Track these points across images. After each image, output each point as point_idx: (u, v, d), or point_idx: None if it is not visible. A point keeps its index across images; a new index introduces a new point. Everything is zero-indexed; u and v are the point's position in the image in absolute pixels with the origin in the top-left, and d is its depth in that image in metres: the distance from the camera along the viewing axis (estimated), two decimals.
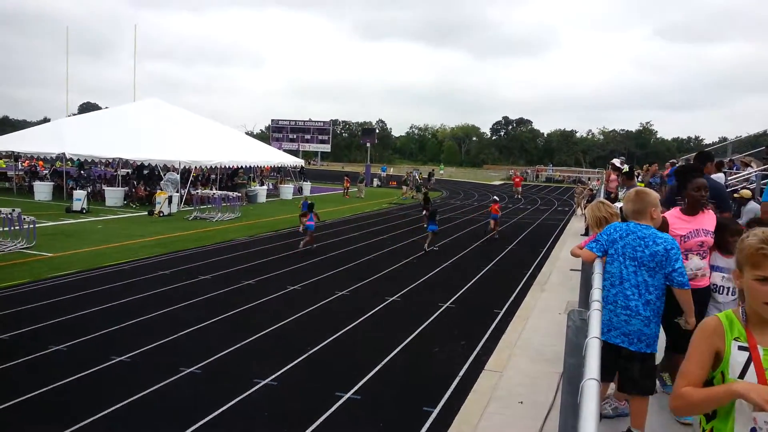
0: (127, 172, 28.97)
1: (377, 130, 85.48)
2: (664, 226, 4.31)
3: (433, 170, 50.36)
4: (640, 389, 3.79)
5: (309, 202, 15.61)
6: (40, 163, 34.38)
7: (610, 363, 3.71)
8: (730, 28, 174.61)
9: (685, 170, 5.09)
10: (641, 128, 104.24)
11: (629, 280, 3.74)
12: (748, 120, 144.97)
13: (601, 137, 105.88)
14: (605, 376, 3.85)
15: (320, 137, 72.93)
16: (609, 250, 3.91)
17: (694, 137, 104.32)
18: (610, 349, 3.72)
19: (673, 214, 4.63)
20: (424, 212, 20.26)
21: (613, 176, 12.75)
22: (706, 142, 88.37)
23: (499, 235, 18.34)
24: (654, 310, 3.73)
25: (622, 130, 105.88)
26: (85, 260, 12.26)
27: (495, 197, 22.15)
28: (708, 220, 4.56)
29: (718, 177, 12.33)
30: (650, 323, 3.72)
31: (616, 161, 13.83)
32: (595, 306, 2.55)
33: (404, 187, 36.06)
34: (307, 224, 14.65)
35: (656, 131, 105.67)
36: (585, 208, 20.23)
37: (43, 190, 24.57)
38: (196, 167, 25.73)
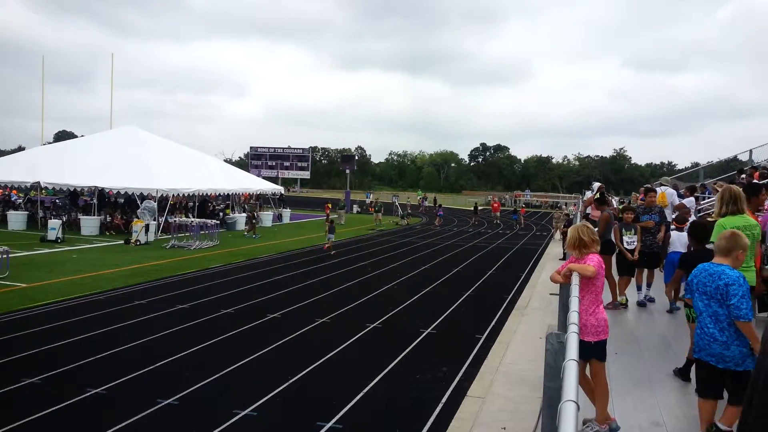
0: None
1: (356, 157, 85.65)
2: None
3: (435, 197, 53.95)
4: (735, 400, 3.97)
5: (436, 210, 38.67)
6: (14, 191, 33.71)
7: (707, 377, 4.09)
8: (698, 58, 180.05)
9: None
10: (615, 154, 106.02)
11: (705, 311, 4.10)
12: (720, 146, 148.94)
13: (577, 163, 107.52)
14: (706, 392, 4.13)
15: (299, 164, 72.98)
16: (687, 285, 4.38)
17: (667, 162, 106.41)
18: (705, 366, 4.08)
19: None
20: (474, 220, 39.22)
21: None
22: (679, 167, 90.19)
23: (480, 259, 18.55)
24: (730, 334, 3.98)
25: (597, 156, 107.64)
26: (60, 290, 12.01)
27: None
28: None
29: (689, 201, 12.61)
30: (729, 346, 3.97)
31: (596, 185, 13.56)
32: (572, 329, 2.59)
33: (402, 218, 36.80)
34: (439, 213, 36.62)
35: (630, 157, 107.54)
36: (563, 233, 20.51)
37: (17, 220, 24.09)
38: (174, 195, 25.49)
